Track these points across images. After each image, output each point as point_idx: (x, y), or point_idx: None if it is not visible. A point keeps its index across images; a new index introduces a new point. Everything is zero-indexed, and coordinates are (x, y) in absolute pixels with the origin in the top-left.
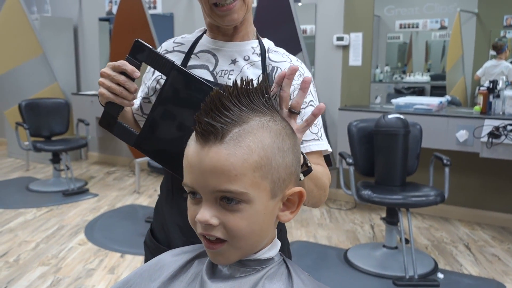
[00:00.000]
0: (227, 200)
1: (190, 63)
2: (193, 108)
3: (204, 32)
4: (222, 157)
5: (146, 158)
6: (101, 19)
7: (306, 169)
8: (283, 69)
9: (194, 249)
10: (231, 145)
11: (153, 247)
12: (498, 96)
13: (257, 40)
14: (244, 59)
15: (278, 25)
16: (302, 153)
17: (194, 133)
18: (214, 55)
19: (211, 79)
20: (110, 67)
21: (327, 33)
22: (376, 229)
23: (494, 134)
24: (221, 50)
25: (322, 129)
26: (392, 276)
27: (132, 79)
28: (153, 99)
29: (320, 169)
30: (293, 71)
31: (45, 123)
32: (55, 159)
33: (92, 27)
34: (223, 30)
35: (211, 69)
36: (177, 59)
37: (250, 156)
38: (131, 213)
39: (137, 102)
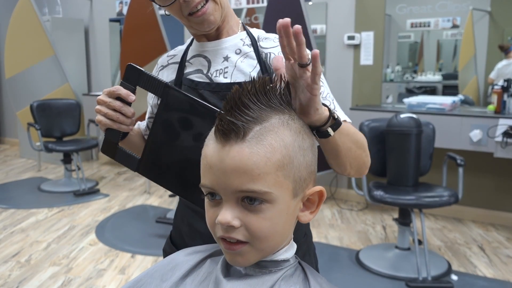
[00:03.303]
0: (250, 201)
1: (185, 71)
2: (189, 127)
3: (194, 39)
4: (244, 156)
5: None
6: (111, 20)
7: (334, 122)
8: (277, 54)
9: (207, 248)
10: (253, 143)
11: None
12: None
13: (245, 32)
14: (236, 53)
15: None
16: (325, 105)
17: (211, 132)
18: (205, 57)
19: (207, 81)
20: (105, 94)
21: (338, 32)
22: (388, 230)
23: (508, 133)
24: (210, 51)
25: (335, 102)
26: (405, 277)
27: (128, 103)
28: None
29: (351, 126)
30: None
31: (57, 124)
32: (66, 159)
33: (103, 28)
34: (207, 34)
35: (205, 71)
36: (172, 71)
37: (273, 155)
38: (142, 213)
39: (144, 123)
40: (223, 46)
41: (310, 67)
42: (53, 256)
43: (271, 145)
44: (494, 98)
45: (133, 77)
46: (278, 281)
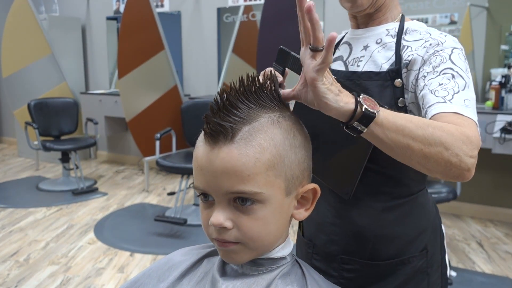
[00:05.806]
0: (241, 201)
1: (334, 56)
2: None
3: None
4: (233, 158)
5: (155, 157)
6: (108, 18)
7: (362, 115)
8: (413, 48)
9: (204, 248)
10: (242, 144)
11: (299, 240)
12: (510, 91)
13: (398, 23)
14: (376, 43)
15: (286, 22)
16: (357, 96)
17: (202, 134)
18: (349, 44)
19: (343, 68)
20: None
21: (336, 29)
22: None
23: (506, 129)
24: (355, 38)
25: (460, 95)
26: None
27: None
28: None
29: (414, 118)
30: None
31: (54, 123)
32: (65, 158)
33: (100, 26)
34: (358, 19)
35: (344, 58)
36: None
37: (262, 155)
38: (140, 211)
39: None
40: (367, 35)
41: (322, 54)
42: (52, 255)
43: (260, 145)
44: (492, 94)
45: (283, 59)
46: (275, 279)
